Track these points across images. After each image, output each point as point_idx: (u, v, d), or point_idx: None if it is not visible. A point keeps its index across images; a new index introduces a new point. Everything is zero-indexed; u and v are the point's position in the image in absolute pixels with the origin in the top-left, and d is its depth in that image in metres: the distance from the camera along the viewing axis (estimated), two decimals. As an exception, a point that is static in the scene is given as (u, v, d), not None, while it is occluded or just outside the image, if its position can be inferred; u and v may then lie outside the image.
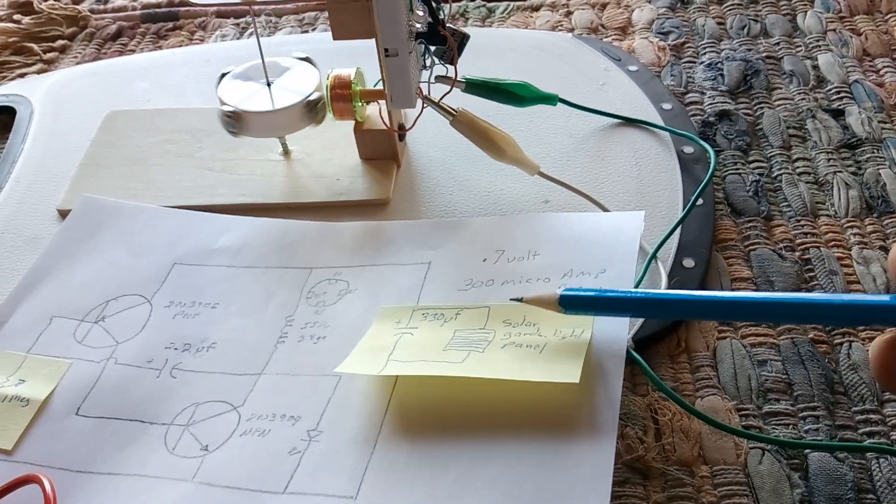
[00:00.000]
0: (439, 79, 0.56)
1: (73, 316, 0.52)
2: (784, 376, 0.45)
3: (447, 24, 0.54)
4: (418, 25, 0.53)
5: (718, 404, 0.44)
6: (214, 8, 0.81)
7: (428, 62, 0.56)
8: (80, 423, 0.46)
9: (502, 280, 0.48)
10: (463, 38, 0.55)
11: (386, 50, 0.53)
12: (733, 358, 0.46)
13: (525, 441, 0.39)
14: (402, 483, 0.40)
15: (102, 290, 0.53)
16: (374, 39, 0.52)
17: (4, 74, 0.77)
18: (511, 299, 0.44)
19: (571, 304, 0.41)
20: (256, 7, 0.55)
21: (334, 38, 0.54)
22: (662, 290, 0.47)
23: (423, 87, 0.56)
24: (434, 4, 0.53)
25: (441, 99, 0.56)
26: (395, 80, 0.54)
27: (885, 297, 0.32)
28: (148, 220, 0.57)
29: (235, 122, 0.57)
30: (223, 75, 0.59)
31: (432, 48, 0.55)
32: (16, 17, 0.82)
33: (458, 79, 0.55)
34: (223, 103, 0.57)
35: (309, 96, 0.57)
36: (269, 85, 0.58)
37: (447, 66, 0.56)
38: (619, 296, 0.40)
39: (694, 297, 0.39)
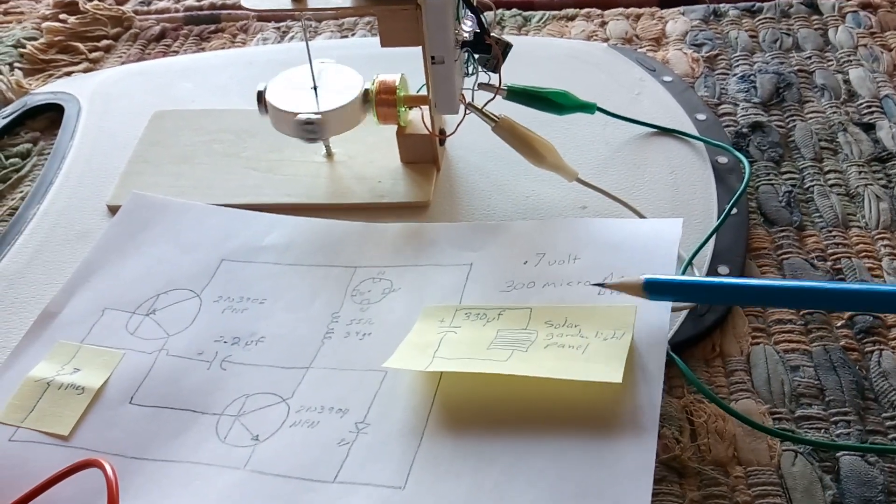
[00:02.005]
0: (482, 86, 0.58)
1: (124, 308, 0.53)
2: (816, 381, 0.47)
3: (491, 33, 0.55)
4: (465, 34, 0.55)
5: (752, 407, 0.46)
6: (255, 11, 0.83)
7: (471, 69, 0.58)
8: (134, 411, 0.48)
9: (543, 282, 0.49)
10: (506, 47, 0.57)
11: (433, 58, 0.55)
12: (767, 363, 0.48)
13: (569, 437, 0.41)
14: (449, 475, 0.41)
15: (153, 284, 0.55)
16: (420, 47, 0.54)
17: (51, 73, 0.79)
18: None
19: (656, 289, 0.43)
20: (307, 14, 0.57)
21: (382, 45, 0.56)
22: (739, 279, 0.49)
23: (465, 93, 0.57)
24: (481, 14, 0.54)
25: (484, 106, 0.57)
26: (441, 86, 0.56)
27: None
28: (196, 217, 0.59)
29: (315, 127, 0.58)
30: (260, 92, 0.60)
31: (476, 56, 0.57)
32: (62, 16, 0.84)
33: (500, 86, 0.57)
34: (297, 114, 0.58)
35: (361, 89, 0.59)
36: (315, 89, 0.60)
37: (489, 73, 0.58)
38: (704, 283, 0.43)
39: (774, 286, 0.41)
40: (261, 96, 0.60)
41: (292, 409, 0.47)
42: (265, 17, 0.82)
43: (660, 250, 0.48)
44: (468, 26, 0.55)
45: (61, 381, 0.49)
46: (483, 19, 0.54)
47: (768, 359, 0.48)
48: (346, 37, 0.80)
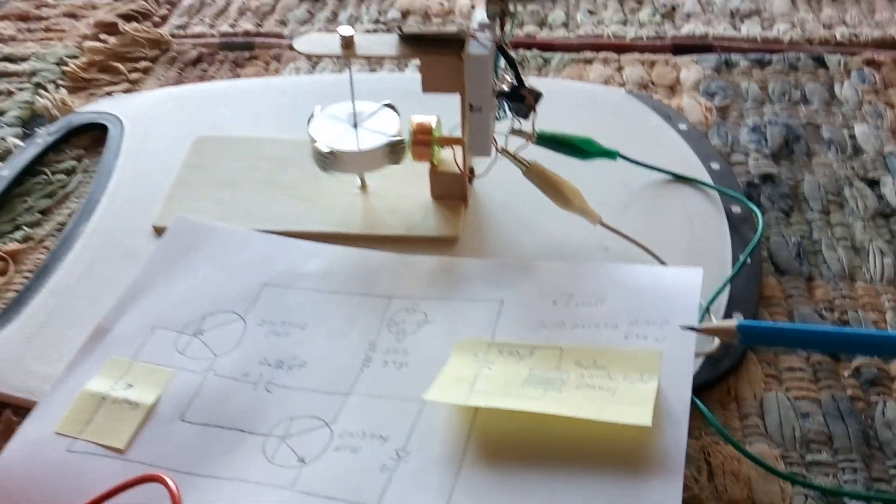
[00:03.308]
0: (515, 132, 0.61)
1: (173, 328, 0.57)
2: (825, 429, 0.50)
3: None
4: (504, 86, 0.58)
5: (766, 451, 0.49)
6: (288, 41, 0.87)
7: (501, 115, 0.62)
8: (185, 428, 0.51)
9: (573, 323, 0.53)
10: (538, 97, 0.60)
11: (471, 105, 0.58)
12: (779, 409, 0.52)
13: (600, 475, 0.44)
14: (488, 504, 0.45)
15: (199, 306, 0.58)
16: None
17: (93, 92, 0.82)
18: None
19: (751, 334, 0.48)
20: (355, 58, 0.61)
21: (424, 91, 0.59)
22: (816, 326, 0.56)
23: (498, 137, 0.61)
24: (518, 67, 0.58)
25: (517, 151, 0.61)
26: (477, 132, 0.60)
27: None
28: (239, 242, 0.62)
29: (328, 159, 0.62)
30: (313, 114, 0.64)
31: (509, 103, 0.60)
32: (102, 36, 0.87)
33: (533, 134, 0.61)
34: (315, 141, 0.62)
35: (392, 139, 0.63)
36: (355, 126, 0.64)
37: (520, 119, 0.61)
38: (797, 329, 0.50)
39: (861, 333, 0.49)
40: (310, 119, 0.63)
41: (335, 433, 0.50)
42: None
43: (682, 298, 0.52)
44: (507, 79, 0.58)
45: (115, 396, 0.52)
46: (520, 72, 0.58)
47: (780, 405, 0.52)
48: (374, 70, 0.83)
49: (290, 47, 0.86)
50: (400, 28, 0.72)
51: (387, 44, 0.59)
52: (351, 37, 0.59)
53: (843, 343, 0.49)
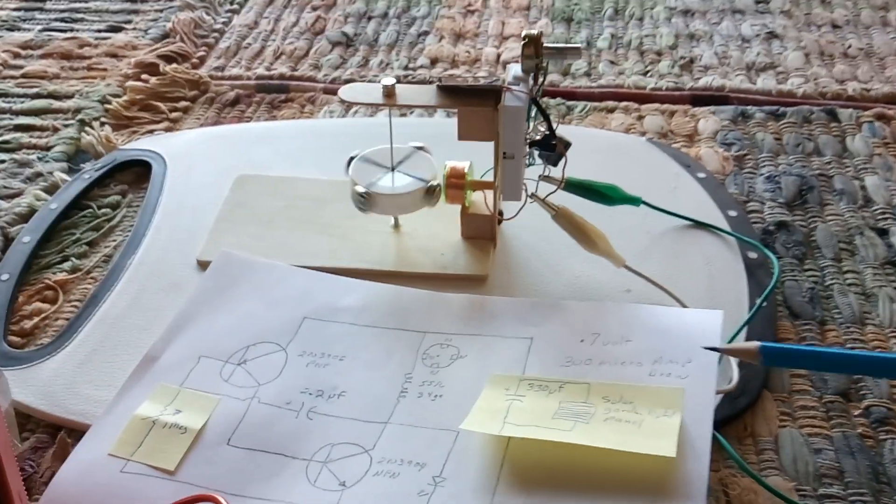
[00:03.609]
0: (545, 178, 0.65)
1: (218, 357, 0.60)
2: (837, 464, 0.53)
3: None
4: (536, 136, 0.62)
5: (781, 483, 0.52)
6: (322, 85, 0.91)
7: (531, 161, 0.65)
8: (232, 452, 0.54)
9: (599, 360, 0.56)
10: (567, 146, 0.64)
11: (504, 153, 0.62)
12: (793, 445, 0.55)
13: (627, 503, 0.47)
14: (521, 528, 0.48)
15: (242, 336, 0.61)
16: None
17: (135, 129, 0.86)
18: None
19: (771, 355, 0.50)
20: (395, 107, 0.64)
21: (459, 139, 0.63)
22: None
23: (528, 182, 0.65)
24: (551, 120, 0.61)
25: (546, 196, 0.64)
26: (509, 178, 0.63)
27: None
28: (280, 276, 0.65)
29: (366, 201, 0.65)
30: (352, 158, 0.68)
31: (540, 152, 0.64)
32: (143, 76, 0.91)
33: (562, 181, 0.64)
34: (355, 184, 0.65)
35: (428, 183, 0.66)
36: (392, 170, 0.67)
37: (549, 166, 0.65)
38: (815, 352, 0.52)
39: (874, 356, 0.52)
40: (350, 161, 0.67)
41: (374, 459, 0.53)
42: (331, 90, 0.90)
43: (703, 339, 0.55)
44: (540, 129, 0.62)
45: (165, 421, 0.55)
46: (552, 123, 0.62)
47: (794, 441, 0.55)
48: (404, 115, 0.87)
49: (325, 91, 0.90)
50: (439, 79, 0.76)
51: (426, 94, 0.63)
52: (393, 86, 0.63)
53: (858, 365, 0.51)
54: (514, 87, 0.61)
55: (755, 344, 0.50)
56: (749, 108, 0.87)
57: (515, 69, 0.62)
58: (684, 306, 0.61)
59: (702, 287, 0.65)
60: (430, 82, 0.81)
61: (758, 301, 0.63)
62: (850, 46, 0.97)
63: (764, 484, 0.51)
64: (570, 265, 0.67)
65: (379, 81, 0.64)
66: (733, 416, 0.56)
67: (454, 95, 0.62)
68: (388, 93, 0.63)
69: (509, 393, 0.54)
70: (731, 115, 0.86)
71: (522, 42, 0.61)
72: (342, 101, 0.86)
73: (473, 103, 0.61)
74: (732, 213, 0.72)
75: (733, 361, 0.58)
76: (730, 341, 0.60)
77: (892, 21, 1.01)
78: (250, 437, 0.55)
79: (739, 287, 0.65)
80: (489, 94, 0.61)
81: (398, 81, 0.63)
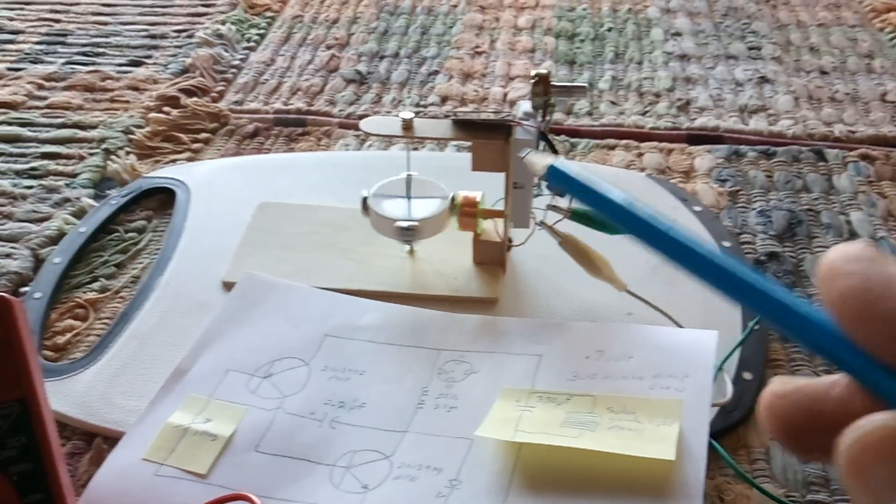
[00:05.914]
0: (552, 208, 0.69)
1: (244, 371, 0.64)
2: (823, 472, 0.57)
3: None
4: (546, 166, 0.66)
5: (772, 490, 0.56)
6: (338, 120, 0.95)
7: (539, 191, 0.70)
8: (259, 457, 0.58)
9: (604, 375, 0.60)
10: (573, 177, 0.68)
11: (514, 183, 0.66)
12: (783, 455, 0.59)
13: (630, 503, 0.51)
14: (532, 526, 0.51)
15: (267, 352, 0.65)
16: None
17: (158, 159, 0.90)
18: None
19: (556, 176, 0.40)
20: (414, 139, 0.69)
21: (473, 169, 0.67)
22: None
23: (536, 211, 0.69)
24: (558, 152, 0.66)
25: (554, 224, 0.69)
26: (518, 206, 0.68)
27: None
28: (301, 297, 0.69)
29: (413, 232, 0.69)
30: (365, 198, 0.72)
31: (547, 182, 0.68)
32: (165, 108, 0.96)
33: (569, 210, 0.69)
34: (394, 221, 0.69)
35: (448, 197, 0.70)
36: (409, 199, 0.71)
37: (556, 196, 0.69)
38: (595, 192, 0.37)
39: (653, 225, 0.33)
40: (365, 202, 0.71)
41: (394, 464, 0.57)
42: (346, 125, 0.94)
43: (699, 357, 0.59)
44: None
45: (196, 429, 0.59)
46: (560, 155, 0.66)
47: (783, 451, 0.59)
48: (416, 149, 0.92)
49: (340, 125, 0.95)
50: (455, 114, 0.81)
51: (442, 127, 0.67)
52: (411, 120, 0.67)
53: (638, 228, 0.33)
54: (524, 122, 0.65)
55: (548, 160, 0.42)
56: (742, 147, 0.92)
57: (525, 105, 0.67)
58: (681, 327, 0.66)
59: (698, 311, 0.69)
60: (445, 117, 0.86)
61: (749, 324, 0.67)
62: (836, 91, 1.02)
63: (754, 483, 0.55)
64: (576, 289, 0.71)
65: (397, 115, 0.68)
66: (727, 428, 0.60)
67: (468, 129, 0.67)
68: (407, 126, 0.67)
69: (520, 404, 0.58)
70: (726, 154, 0.91)
71: (532, 80, 0.66)
72: (360, 134, 0.91)
73: (486, 136, 0.66)
74: (726, 244, 0.77)
75: (727, 377, 0.62)
76: (724, 360, 0.64)
77: (877, 68, 1.07)
78: (277, 444, 0.58)
79: (733, 311, 0.69)
80: (501, 129, 0.66)
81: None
